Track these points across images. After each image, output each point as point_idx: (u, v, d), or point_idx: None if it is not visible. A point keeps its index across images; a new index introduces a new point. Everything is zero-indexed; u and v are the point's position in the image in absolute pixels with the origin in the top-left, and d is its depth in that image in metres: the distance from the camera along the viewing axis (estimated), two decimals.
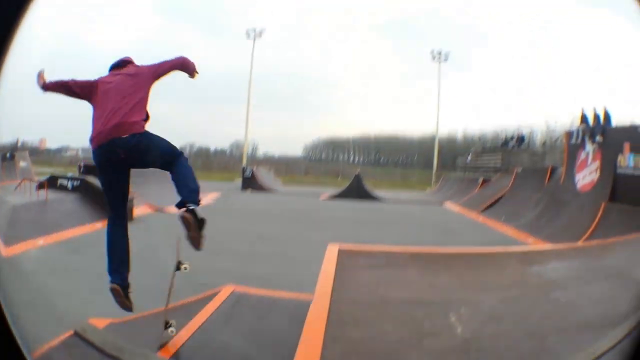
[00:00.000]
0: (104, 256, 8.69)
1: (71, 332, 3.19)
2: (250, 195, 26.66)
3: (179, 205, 3.89)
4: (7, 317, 1.52)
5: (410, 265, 5.01)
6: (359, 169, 35.89)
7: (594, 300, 3.92)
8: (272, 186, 31.05)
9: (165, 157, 4.05)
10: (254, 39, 44.42)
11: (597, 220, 10.58)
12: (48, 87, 4.03)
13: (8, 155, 24.81)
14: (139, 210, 14.31)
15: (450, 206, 21.58)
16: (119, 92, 3.93)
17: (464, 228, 14.30)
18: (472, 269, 4.93)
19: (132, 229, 11.19)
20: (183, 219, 3.78)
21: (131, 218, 12.82)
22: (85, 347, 3.01)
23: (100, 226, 11.71)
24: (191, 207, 3.80)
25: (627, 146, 11.96)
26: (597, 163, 13.05)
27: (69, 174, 16.38)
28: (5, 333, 1.50)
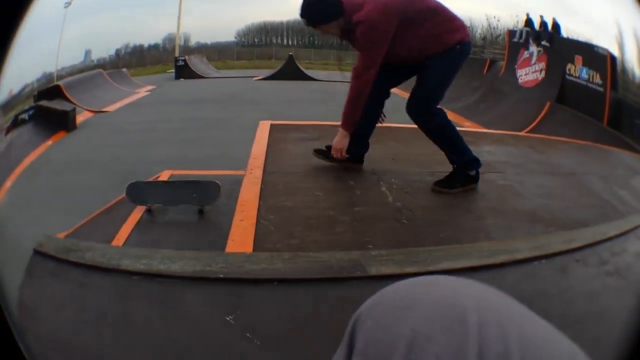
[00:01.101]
0: (55, 172, 8.57)
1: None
2: (183, 83, 26.12)
3: None
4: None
5: None
6: (292, 51, 35.16)
7: (537, 193, 3.95)
8: (205, 73, 30.36)
9: None
10: None
11: (542, 115, 10.77)
12: None
13: None
14: (81, 117, 14.29)
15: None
16: None
17: (400, 106, 14.36)
18: (404, 142, 4.95)
19: (79, 135, 10.92)
20: None
21: (74, 127, 12.81)
22: (44, 261, 2.87)
23: (50, 143, 11.54)
24: None
25: (579, 59, 12.21)
26: (543, 65, 13.22)
27: (27, 106, 16.18)
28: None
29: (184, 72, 29.09)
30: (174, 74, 29.82)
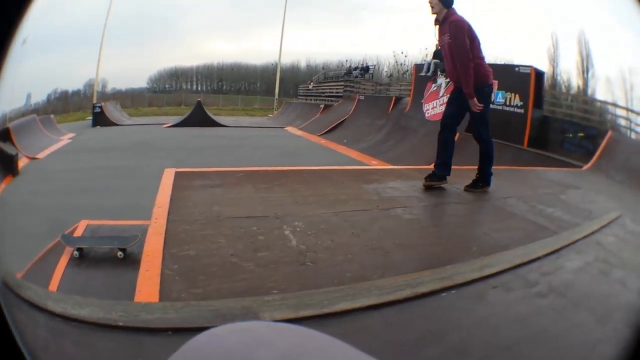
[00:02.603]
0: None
1: None
2: (99, 131, 25.95)
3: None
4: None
5: (244, 184, 5.10)
6: (201, 97, 35.31)
7: (445, 223, 4.16)
8: (119, 120, 30.12)
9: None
10: None
11: None
12: None
13: None
14: (21, 162, 14.19)
15: (292, 130, 21.83)
16: None
17: (305, 150, 14.83)
18: (307, 185, 5.06)
19: (21, 181, 10.75)
20: None
21: (17, 173, 12.61)
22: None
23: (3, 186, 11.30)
24: None
25: (495, 83, 12.63)
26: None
27: None
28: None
29: (100, 119, 28.74)
30: (91, 121, 29.52)
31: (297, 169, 5.29)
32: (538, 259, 3.12)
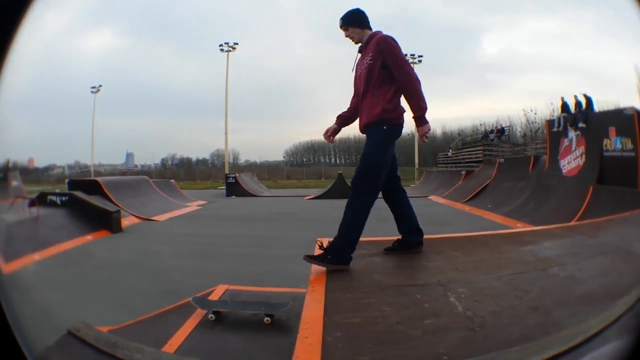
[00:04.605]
0: (98, 267, 8.95)
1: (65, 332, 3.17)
2: (235, 200, 26.80)
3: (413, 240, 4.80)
4: (12, 327, 1.55)
5: (400, 252, 4.95)
6: (341, 170, 35.92)
7: (593, 275, 3.93)
8: (256, 191, 31.16)
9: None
10: (228, 53, 45.66)
11: (586, 201, 10.70)
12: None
13: (1, 175, 25.19)
14: (127, 220, 14.73)
15: (436, 199, 21.73)
16: None
17: (451, 218, 14.67)
18: (464, 251, 4.93)
19: (125, 238, 11.53)
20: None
21: (120, 229, 13.22)
22: (78, 345, 2.96)
23: (90, 238, 11.90)
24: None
25: (612, 130, 12.18)
26: (582, 149, 13.26)
27: (57, 190, 16.89)
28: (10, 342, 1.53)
29: (235, 189, 30.01)
30: (224, 191, 30.77)
31: (451, 236, 5.22)
32: None
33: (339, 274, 4.28)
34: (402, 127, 4.42)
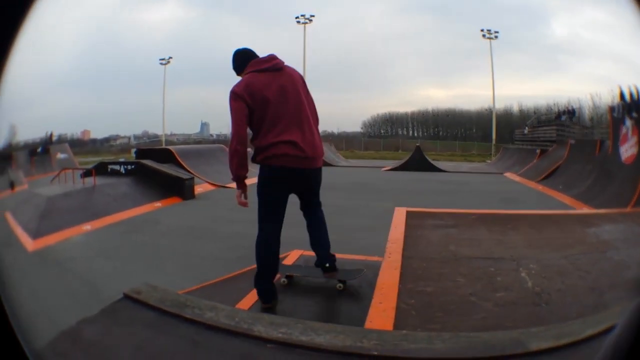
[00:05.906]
0: (167, 232, 8.81)
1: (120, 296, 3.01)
2: None
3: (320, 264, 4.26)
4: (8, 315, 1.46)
5: (478, 225, 5.14)
6: (419, 142, 35.68)
7: (638, 262, 3.99)
8: (334, 161, 30.97)
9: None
10: (305, 25, 45.87)
11: (638, 190, 10.56)
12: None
13: (40, 149, 25.35)
14: (200, 188, 14.81)
15: (510, 176, 21.72)
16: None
17: (524, 196, 14.67)
18: (536, 228, 5.04)
19: (198, 205, 11.47)
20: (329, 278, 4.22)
21: (192, 196, 13.25)
22: (137, 308, 2.81)
23: (159, 205, 11.99)
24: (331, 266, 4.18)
25: None
26: (635, 138, 12.97)
27: (121, 159, 16.32)
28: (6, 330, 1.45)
29: None
30: None
31: (526, 213, 5.34)
32: None
33: (415, 243, 4.45)
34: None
